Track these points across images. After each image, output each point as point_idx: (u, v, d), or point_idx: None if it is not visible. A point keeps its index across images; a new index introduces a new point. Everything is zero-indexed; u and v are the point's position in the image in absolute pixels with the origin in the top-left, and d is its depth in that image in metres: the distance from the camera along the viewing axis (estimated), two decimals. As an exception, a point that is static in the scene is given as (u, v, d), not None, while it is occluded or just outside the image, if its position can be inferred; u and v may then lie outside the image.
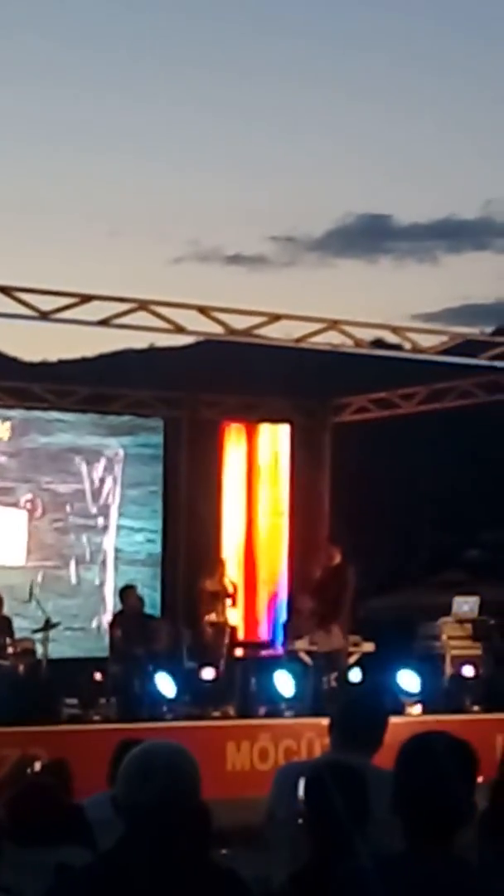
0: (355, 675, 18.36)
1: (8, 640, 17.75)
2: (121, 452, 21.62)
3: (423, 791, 3.68)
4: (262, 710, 17.45)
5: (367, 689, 17.79)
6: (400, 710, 16.65)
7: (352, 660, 18.48)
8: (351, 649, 18.47)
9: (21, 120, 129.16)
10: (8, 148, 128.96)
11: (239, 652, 19.08)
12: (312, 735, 15.47)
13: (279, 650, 19.83)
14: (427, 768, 3.71)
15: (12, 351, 59.13)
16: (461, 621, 19.79)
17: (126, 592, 19.01)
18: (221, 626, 19.02)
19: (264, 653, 19.64)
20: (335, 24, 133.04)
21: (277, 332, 17.00)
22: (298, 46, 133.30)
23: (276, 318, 16.47)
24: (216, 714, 17.32)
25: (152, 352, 59.16)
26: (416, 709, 17.57)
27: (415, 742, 3.83)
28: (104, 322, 15.73)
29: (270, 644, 20.44)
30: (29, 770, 6.46)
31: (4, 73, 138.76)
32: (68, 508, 21.18)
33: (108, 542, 21.46)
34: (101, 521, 21.43)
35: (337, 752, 5.75)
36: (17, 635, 18.06)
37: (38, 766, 6.60)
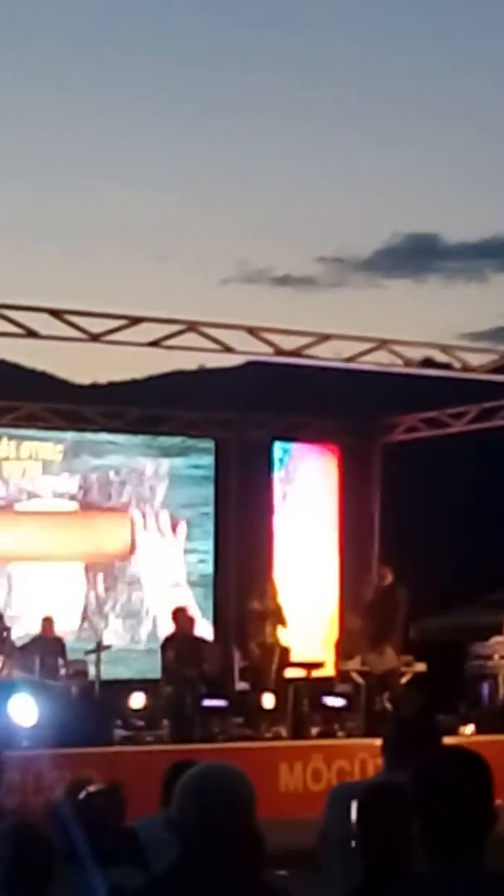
0: (415, 696, 18.32)
1: (61, 662, 17.81)
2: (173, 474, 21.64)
3: (438, 808, 3.63)
4: (314, 731, 17.43)
5: (419, 709, 17.75)
6: (453, 731, 16.59)
7: (404, 680, 18.42)
8: (403, 669, 18.42)
9: (68, 147, 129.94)
10: (56, 175, 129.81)
11: (291, 673, 19.02)
12: (365, 755, 15.43)
13: (332, 671, 19.79)
14: (438, 788, 3.66)
15: (63, 373, 59.43)
16: (513, 640, 19.68)
17: (178, 614, 19.00)
18: (270, 647, 18.93)
19: (316, 674, 19.58)
20: (385, 42, 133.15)
21: (327, 352, 17.03)
22: (349, 66, 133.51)
23: (324, 337, 16.49)
24: (268, 735, 17.31)
25: (202, 373, 59.27)
26: (469, 728, 17.50)
27: (428, 762, 3.80)
28: (154, 343, 15.80)
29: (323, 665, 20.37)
30: (82, 793, 6.47)
31: (49, 102, 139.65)
32: (120, 530, 21.21)
33: (160, 564, 21.47)
34: (152, 542, 21.44)
35: (389, 773, 5.73)
36: (70, 657, 18.12)
37: (91, 788, 6.62)
